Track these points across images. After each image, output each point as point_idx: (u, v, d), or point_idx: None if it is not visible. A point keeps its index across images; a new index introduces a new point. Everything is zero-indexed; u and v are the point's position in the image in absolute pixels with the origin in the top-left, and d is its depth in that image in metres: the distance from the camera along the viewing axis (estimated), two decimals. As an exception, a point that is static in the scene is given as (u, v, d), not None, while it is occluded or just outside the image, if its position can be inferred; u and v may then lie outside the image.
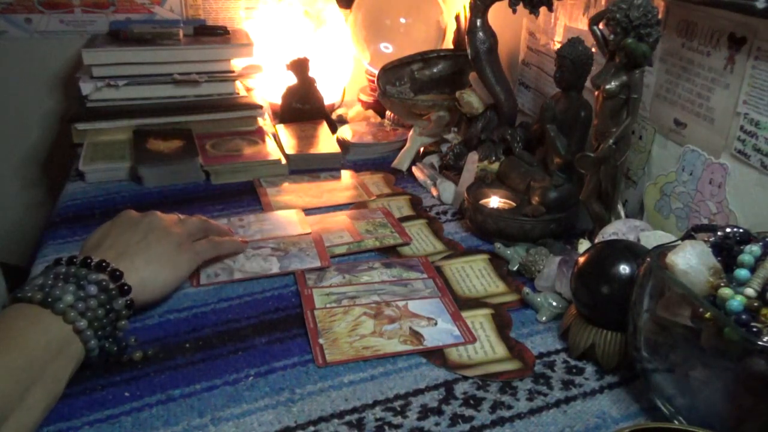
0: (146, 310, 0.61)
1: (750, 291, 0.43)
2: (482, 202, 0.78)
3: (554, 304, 0.62)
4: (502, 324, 0.61)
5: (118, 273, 0.54)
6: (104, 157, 0.91)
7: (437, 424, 0.49)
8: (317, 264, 0.69)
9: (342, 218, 0.80)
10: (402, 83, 1.00)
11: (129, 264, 0.56)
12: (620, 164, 0.67)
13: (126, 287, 0.54)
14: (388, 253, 0.73)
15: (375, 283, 0.66)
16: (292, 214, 0.80)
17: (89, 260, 0.54)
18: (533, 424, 0.49)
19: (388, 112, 1.11)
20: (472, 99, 0.89)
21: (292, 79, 1.06)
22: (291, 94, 1.07)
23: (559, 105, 0.76)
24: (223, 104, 1.02)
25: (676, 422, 0.46)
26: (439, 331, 0.59)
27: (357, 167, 0.97)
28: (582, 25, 0.81)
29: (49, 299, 0.49)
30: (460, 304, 0.63)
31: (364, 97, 1.21)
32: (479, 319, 0.61)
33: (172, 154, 0.91)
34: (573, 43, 0.72)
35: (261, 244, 0.73)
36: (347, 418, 0.49)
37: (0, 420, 0.44)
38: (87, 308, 0.50)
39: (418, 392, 0.52)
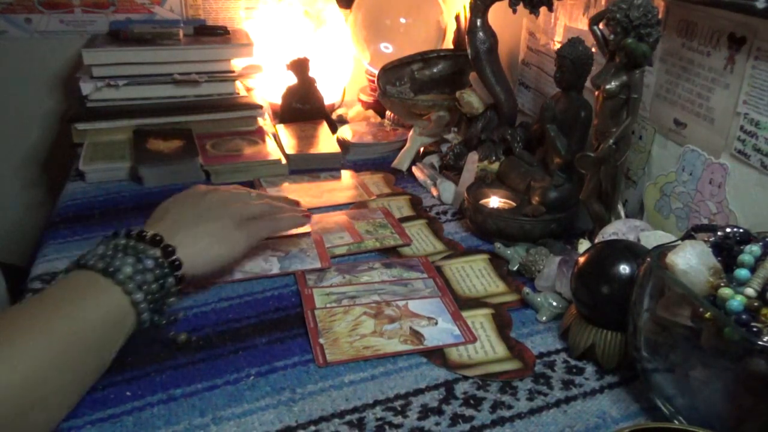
0: (202, 286, 0.64)
1: (750, 291, 0.43)
2: (482, 202, 0.78)
3: (554, 304, 0.62)
4: (502, 324, 0.61)
5: (170, 248, 0.55)
6: (104, 157, 0.91)
7: (437, 423, 0.49)
8: (318, 265, 0.69)
9: (342, 218, 0.80)
10: (402, 83, 1.00)
11: (182, 238, 0.57)
12: (620, 164, 0.67)
13: (177, 262, 0.55)
14: (388, 253, 0.73)
15: (375, 282, 0.66)
16: (292, 214, 0.80)
17: (144, 234, 0.54)
18: (533, 423, 0.49)
19: (388, 112, 1.11)
20: (472, 99, 0.89)
21: (292, 79, 1.06)
22: (291, 94, 1.08)
23: (559, 105, 0.76)
24: (223, 104, 1.02)
25: (676, 422, 0.46)
26: (440, 331, 0.59)
27: (357, 167, 0.97)
28: (582, 25, 0.81)
29: (111, 269, 0.50)
30: (461, 304, 0.64)
31: (364, 97, 1.21)
32: (479, 319, 0.61)
33: (172, 154, 0.91)
34: (573, 43, 0.72)
35: (261, 245, 0.73)
36: (348, 417, 0.49)
37: (56, 387, 0.45)
38: (143, 281, 0.51)
39: (418, 392, 0.52)
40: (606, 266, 0.54)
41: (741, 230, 0.49)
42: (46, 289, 0.51)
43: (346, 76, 1.23)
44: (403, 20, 1.13)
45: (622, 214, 0.71)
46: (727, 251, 0.48)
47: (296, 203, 0.75)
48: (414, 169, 0.95)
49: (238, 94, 1.04)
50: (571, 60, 0.72)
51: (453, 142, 0.92)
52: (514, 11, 0.81)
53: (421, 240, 0.76)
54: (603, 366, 0.55)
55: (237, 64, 1.06)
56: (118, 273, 0.50)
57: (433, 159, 0.95)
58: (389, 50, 1.13)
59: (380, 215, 0.81)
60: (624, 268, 0.53)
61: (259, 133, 1.01)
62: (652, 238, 0.60)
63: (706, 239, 0.49)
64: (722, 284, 0.44)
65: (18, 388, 0.43)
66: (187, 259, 0.56)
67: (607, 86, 0.63)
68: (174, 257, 0.55)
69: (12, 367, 0.43)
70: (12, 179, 1.25)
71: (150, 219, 0.61)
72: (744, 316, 0.42)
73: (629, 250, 0.55)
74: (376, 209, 0.83)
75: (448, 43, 1.11)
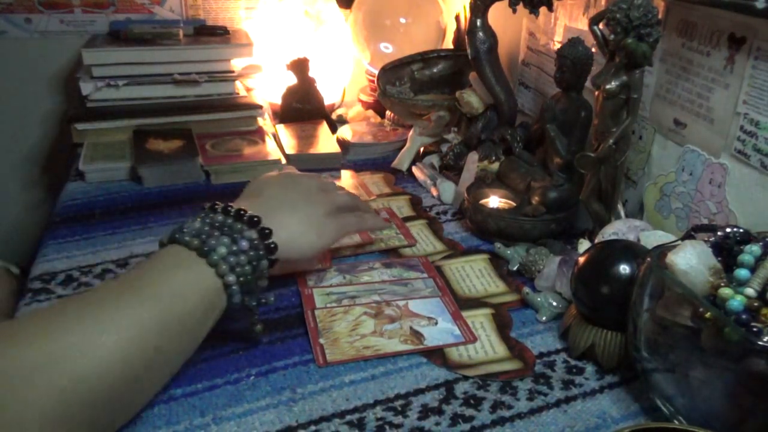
0: (286, 275, 0.62)
1: (750, 291, 0.43)
2: (482, 202, 0.79)
3: (554, 304, 0.62)
4: (502, 324, 0.61)
5: (267, 231, 0.54)
6: (104, 157, 0.91)
7: (438, 423, 0.49)
8: (317, 266, 0.69)
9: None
10: (402, 83, 1.00)
11: (280, 220, 0.56)
12: (620, 164, 0.67)
13: (273, 245, 0.54)
14: (389, 253, 0.73)
15: (375, 282, 0.66)
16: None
17: (243, 213, 0.53)
18: (533, 423, 0.49)
19: (388, 112, 1.11)
20: (472, 99, 0.89)
21: (292, 79, 1.06)
22: (291, 94, 1.07)
23: (559, 105, 0.76)
24: (223, 104, 1.02)
25: (676, 422, 0.46)
26: (440, 331, 0.59)
27: (357, 167, 0.97)
28: (582, 25, 0.81)
29: (206, 248, 0.50)
30: (461, 303, 0.64)
31: (364, 97, 1.21)
32: (479, 319, 0.61)
33: (172, 154, 0.91)
34: (573, 43, 0.72)
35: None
36: (348, 417, 0.49)
37: (147, 367, 0.45)
38: (237, 263, 0.50)
39: (418, 392, 0.52)
40: (606, 266, 0.54)
41: (741, 230, 0.49)
42: (139, 265, 0.50)
43: (346, 76, 1.23)
44: (403, 20, 1.13)
45: (622, 214, 0.71)
46: (727, 251, 0.48)
47: (372, 210, 0.74)
48: (414, 169, 0.95)
49: (238, 94, 1.04)
50: (571, 60, 0.72)
51: (453, 142, 0.92)
52: (514, 11, 0.81)
53: (421, 240, 0.76)
54: (603, 366, 0.55)
55: (237, 64, 1.06)
56: (212, 253, 0.49)
57: (433, 159, 0.95)
58: (389, 50, 1.13)
59: (384, 215, 0.81)
60: (624, 268, 0.53)
61: (259, 133, 1.01)
62: (652, 238, 0.60)
63: (706, 239, 0.49)
64: (722, 284, 0.44)
65: (118, 362, 0.43)
66: (282, 244, 0.55)
67: (607, 86, 0.63)
68: (270, 240, 0.54)
69: (112, 337, 0.43)
70: (12, 179, 1.25)
71: (242, 196, 0.60)
72: (744, 316, 0.42)
73: (629, 250, 0.55)
74: (381, 209, 0.83)
75: (448, 43, 1.11)
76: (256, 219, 0.54)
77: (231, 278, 0.50)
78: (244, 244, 0.51)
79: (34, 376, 0.40)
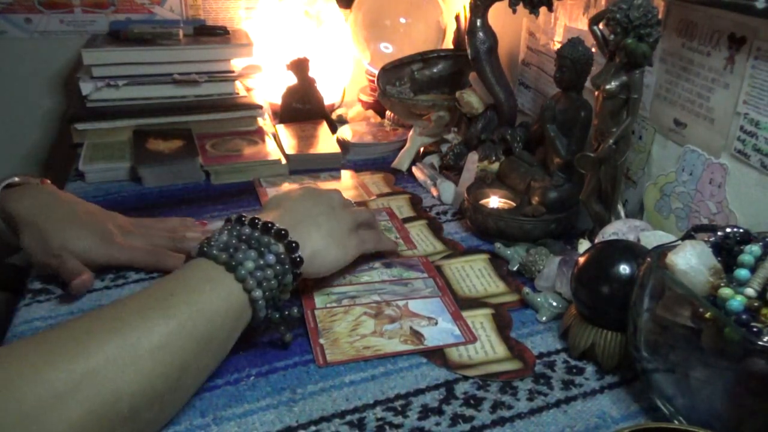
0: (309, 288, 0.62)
1: (750, 291, 0.43)
2: (482, 202, 0.79)
3: (554, 304, 0.62)
4: (502, 324, 0.61)
5: (294, 244, 0.54)
6: (104, 157, 0.91)
7: (438, 424, 0.49)
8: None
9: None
10: (402, 83, 1.00)
11: (306, 234, 0.56)
12: (620, 164, 0.67)
13: (299, 259, 0.54)
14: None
15: (375, 282, 0.66)
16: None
17: (270, 226, 0.53)
18: (533, 424, 0.49)
19: (388, 112, 1.11)
20: (472, 99, 0.89)
21: (292, 79, 1.06)
22: (291, 94, 1.07)
23: (559, 105, 0.76)
24: (223, 104, 1.02)
25: (676, 422, 0.46)
26: (440, 331, 0.59)
27: (357, 167, 0.97)
28: (582, 25, 0.81)
29: (233, 263, 0.50)
30: (461, 304, 0.64)
31: (364, 97, 1.21)
32: (479, 319, 0.61)
33: (172, 154, 0.91)
34: (573, 43, 0.72)
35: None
36: (348, 417, 0.49)
37: (174, 383, 0.45)
38: (264, 278, 0.51)
39: (418, 392, 0.52)
40: (606, 266, 0.54)
41: (741, 230, 0.49)
42: (167, 277, 0.50)
43: (346, 76, 1.23)
44: (403, 20, 1.13)
45: (622, 214, 0.71)
46: (727, 251, 0.48)
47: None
48: (414, 169, 0.95)
49: (238, 94, 1.04)
50: (571, 60, 0.72)
51: (453, 142, 0.92)
52: (514, 11, 0.81)
53: (421, 240, 0.76)
54: (603, 366, 0.55)
55: (237, 64, 1.06)
56: (240, 267, 0.49)
57: (433, 159, 0.95)
58: (389, 50, 1.13)
59: (385, 216, 0.81)
60: (624, 269, 0.53)
61: (259, 133, 1.01)
62: (652, 238, 0.60)
63: (706, 239, 0.49)
64: (722, 284, 0.44)
65: (145, 374, 0.42)
66: (306, 258, 0.55)
67: (607, 86, 0.63)
68: (297, 254, 0.54)
69: (135, 350, 0.42)
70: (12, 179, 1.24)
71: (266, 208, 0.60)
72: (744, 316, 0.42)
73: (629, 250, 0.55)
74: (381, 210, 0.83)
75: (448, 43, 1.11)
76: (284, 232, 0.54)
77: (258, 293, 0.50)
78: (271, 258, 0.51)
79: (68, 396, 0.39)
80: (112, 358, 0.42)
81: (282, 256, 0.53)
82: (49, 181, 0.71)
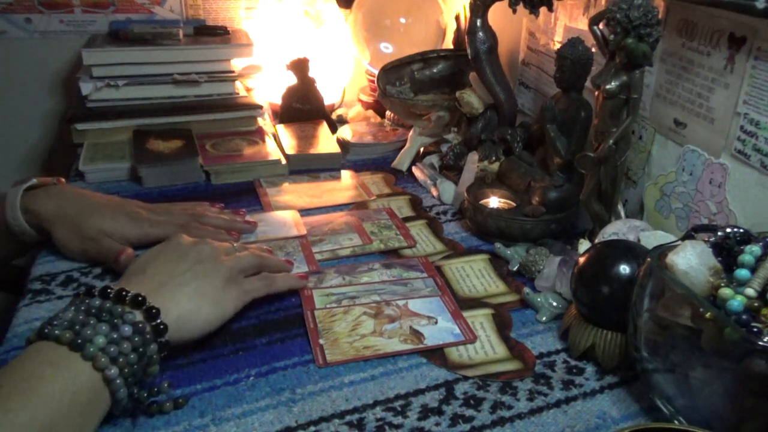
0: (185, 349, 0.55)
1: (750, 291, 0.43)
2: (482, 202, 0.78)
3: (554, 304, 0.62)
4: (502, 324, 0.61)
5: (154, 311, 0.49)
6: (104, 157, 0.91)
7: (438, 424, 0.49)
8: (305, 269, 0.69)
9: (351, 219, 0.79)
10: (402, 83, 1.00)
11: (170, 297, 0.52)
12: (620, 164, 0.67)
13: (162, 326, 0.49)
14: (388, 254, 0.73)
15: (375, 282, 0.66)
16: (287, 215, 0.80)
17: (124, 293, 0.48)
18: (533, 424, 0.49)
19: (388, 112, 1.11)
20: (472, 99, 0.89)
21: (292, 79, 1.06)
22: (291, 94, 1.07)
23: (559, 105, 0.76)
24: (223, 104, 1.02)
25: (676, 422, 0.46)
26: (440, 330, 0.59)
27: (357, 167, 0.97)
28: (582, 25, 0.81)
29: (80, 341, 0.44)
30: (461, 304, 0.64)
31: (364, 97, 1.21)
32: (479, 319, 0.61)
33: (172, 154, 0.91)
34: (573, 43, 0.72)
35: (250, 247, 0.72)
36: (348, 418, 0.49)
37: None
38: (119, 353, 0.45)
39: (418, 392, 0.52)
40: (606, 266, 0.54)
41: (741, 230, 0.49)
42: (7, 365, 0.44)
43: (346, 76, 1.23)
44: (403, 20, 1.13)
45: (622, 214, 0.71)
46: (727, 251, 0.48)
47: (285, 263, 0.67)
48: (414, 169, 0.95)
49: (238, 94, 1.04)
50: (571, 60, 0.72)
51: (453, 142, 0.92)
52: (514, 11, 0.81)
53: (421, 240, 0.76)
54: (603, 366, 0.55)
55: (237, 64, 1.06)
56: (88, 345, 0.44)
57: (433, 159, 0.95)
58: (389, 50, 1.13)
59: (385, 216, 0.81)
60: (624, 269, 0.53)
61: (259, 133, 1.01)
62: (652, 238, 0.60)
63: (706, 239, 0.49)
64: (722, 284, 0.44)
65: None
66: (173, 323, 0.50)
67: (607, 86, 0.63)
68: (158, 321, 0.49)
69: None
70: (12, 179, 1.24)
71: (128, 272, 0.55)
72: (744, 317, 0.41)
73: (629, 251, 0.55)
74: (381, 209, 0.83)
75: (448, 43, 1.11)
76: (140, 298, 0.49)
77: (113, 371, 0.44)
78: (127, 329, 0.46)
79: None
80: None
81: (141, 325, 0.47)
82: (63, 180, 0.74)
